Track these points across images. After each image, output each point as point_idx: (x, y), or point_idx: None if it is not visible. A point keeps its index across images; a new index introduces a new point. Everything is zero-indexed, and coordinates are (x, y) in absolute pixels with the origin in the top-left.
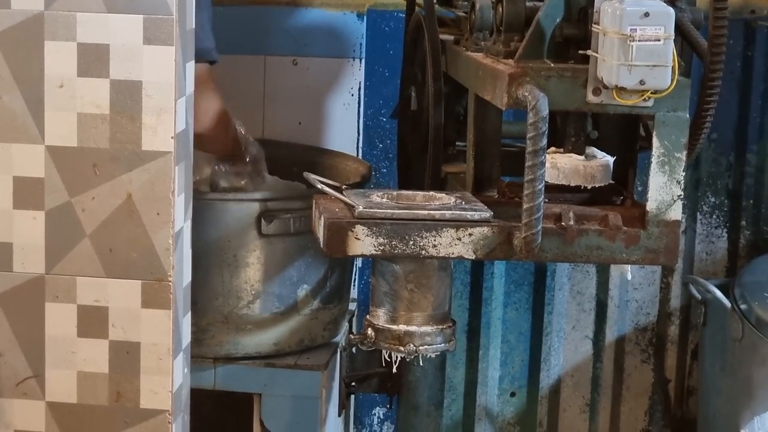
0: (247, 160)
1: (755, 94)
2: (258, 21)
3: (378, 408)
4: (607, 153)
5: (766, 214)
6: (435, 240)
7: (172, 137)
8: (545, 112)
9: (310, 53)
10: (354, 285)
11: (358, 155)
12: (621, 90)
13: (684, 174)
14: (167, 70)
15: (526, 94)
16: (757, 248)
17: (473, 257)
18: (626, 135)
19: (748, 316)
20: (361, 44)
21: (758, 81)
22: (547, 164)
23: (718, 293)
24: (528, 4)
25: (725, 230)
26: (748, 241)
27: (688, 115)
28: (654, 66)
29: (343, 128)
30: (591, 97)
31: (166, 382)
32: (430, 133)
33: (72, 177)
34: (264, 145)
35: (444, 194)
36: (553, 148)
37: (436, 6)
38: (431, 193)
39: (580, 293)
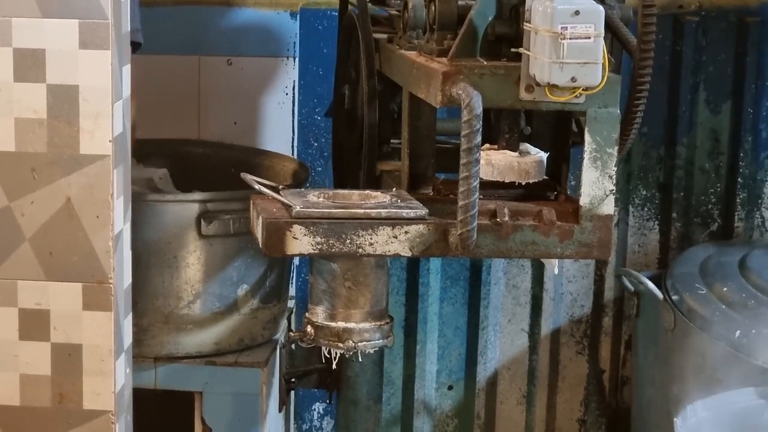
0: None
1: (684, 88)
2: (192, 21)
3: (318, 403)
4: (541, 149)
5: (697, 206)
6: (371, 238)
7: (110, 141)
8: (479, 109)
9: (245, 53)
10: (292, 283)
11: (293, 154)
12: (553, 87)
13: (616, 169)
14: (104, 74)
15: (460, 92)
16: (688, 240)
17: (409, 254)
18: (559, 131)
19: (680, 307)
20: (294, 43)
21: (687, 75)
22: (482, 161)
23: (651, 285)
24: (460, 2)
25: (657, 223)
26: (679, 233)
27: (618, 111)
28: (585, 63)
29: (278, 127)
30: (524, 95)
31: (108, 383)
32: (365, 131)
33: (10, 181)
34: (201, 146)
35: (380, 193)
36: (487, 145)
37: (370, 4)
38: (367, 191)
39: (515, 287)
